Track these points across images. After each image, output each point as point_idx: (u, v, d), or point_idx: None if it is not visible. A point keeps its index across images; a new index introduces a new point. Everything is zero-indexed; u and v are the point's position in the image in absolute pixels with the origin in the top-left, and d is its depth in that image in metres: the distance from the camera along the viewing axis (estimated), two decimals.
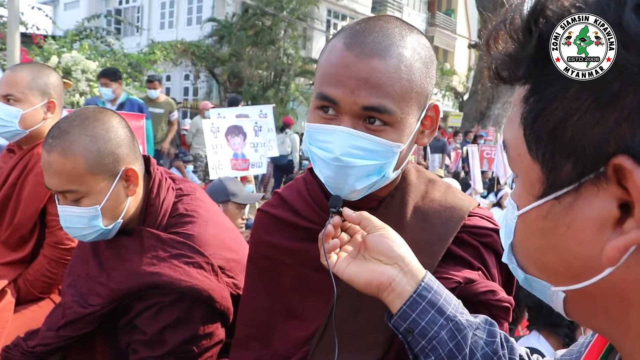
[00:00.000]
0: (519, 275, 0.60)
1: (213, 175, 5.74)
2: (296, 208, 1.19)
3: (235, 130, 6.02)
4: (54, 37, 11.83)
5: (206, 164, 9.33)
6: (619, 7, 0.45)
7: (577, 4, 0.48)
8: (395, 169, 1.06)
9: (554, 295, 0.55)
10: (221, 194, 3.49)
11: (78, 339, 1.57)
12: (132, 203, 1.55)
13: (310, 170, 1.21)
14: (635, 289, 0.48)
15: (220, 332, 1.50)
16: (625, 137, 0.44)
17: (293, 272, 1.17)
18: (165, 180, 1.64)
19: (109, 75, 6.21)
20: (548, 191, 0.51)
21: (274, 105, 8.37)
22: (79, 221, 1.47)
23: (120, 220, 1.53)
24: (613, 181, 0.45)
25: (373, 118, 0.99)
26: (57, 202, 1.51)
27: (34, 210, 2.13)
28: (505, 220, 0.61)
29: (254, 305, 1.25)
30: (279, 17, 16.58)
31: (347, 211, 1.02)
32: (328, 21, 21.70)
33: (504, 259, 0.62)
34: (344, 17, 22.50)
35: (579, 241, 0.49)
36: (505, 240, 0.61)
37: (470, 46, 20.25)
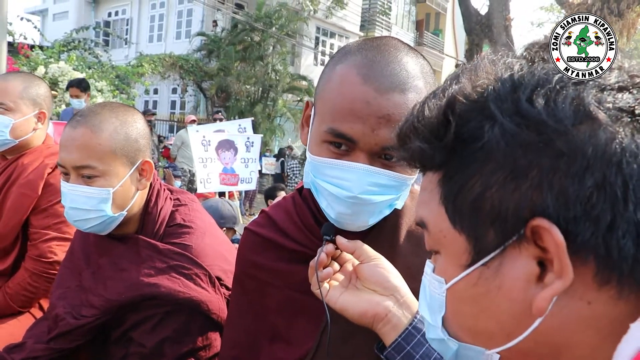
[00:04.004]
0: (450, 348, 0.63)
1: (201, 189, 5.69)
2: (284, 229, 1.17)
3: (226, 145, 5.98)
4: (41, 48, 11.74)
5: (190, 178, 9.29)
6: (514, 99, 0.53)
7: (480, 100, 0.55)
8: None
9: (488, 359, 0.59)
10: (231, 220, 3.50)
11: (63, 354, 1.54)
12: (137, 201, 1.56)
13: (299, 190, 1.19)
14: (561, 333, 0.53)
15: (217, 343, 1.50)
16: (538, 202, 0.51)
17: (279, 294, 1.15)
18: (163, 191, 1.65)
19: (79, 85, 6.01)
20: (476, 259, 0.56)
21: (253, 119, 8.33)
22: (86, 202, 1.46)
23: (124, 213, 1.52)
24: (531, 241, 0.52)
25: (390, 155, 0.95)
26: (63, 183, 1.49)
27: (17, 222, 2.09)
28: (429, 296, 0.65)
29: (239, 327, 1.22)
30: (268, 33, 16.66)
31: (341, 240, 1.00)
32: (317, 38, 21.83)
33: (434, 335, 0.64)
34: (332, 35, 22.68)
35: (509, 300, 0.55)
36: (434, 315, 0.64)
37: (457, 66, 20.48)
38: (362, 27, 23.52)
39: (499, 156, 0.53)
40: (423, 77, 0.97)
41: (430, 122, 0.58)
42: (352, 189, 0.94)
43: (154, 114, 8.20)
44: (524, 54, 0.59)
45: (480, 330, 0.59)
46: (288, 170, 13.99)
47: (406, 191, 1.02)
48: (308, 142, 1.05)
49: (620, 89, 0.54)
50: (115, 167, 1.47)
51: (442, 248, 0.61)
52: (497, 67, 0.58)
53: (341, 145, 0.96)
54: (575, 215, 0.50)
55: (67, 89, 6.35)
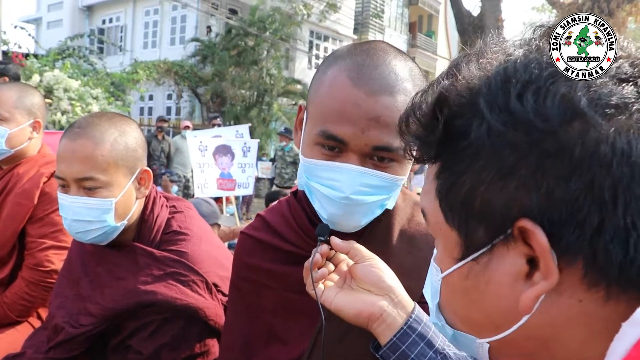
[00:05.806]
0: (447, 332, 0.64)
1: (198, 194, 5.72)
2: (280, 231, 1.18)
3: (223, 150, 6.01)
4: (36, 56, 11.73)
5: (184, 183, 9.29)
6: (505, 95, 0.51)
7: (470, 96, 0.54)
8: None
9: (480, 347, 0.60)
10: (212, 216, 3.51)
11: None
12: (136, 209, 1.56)
13: (294, 193, 1.21)
14: (551, 330, 0.53)
15: (215, 349, 1.50)
16: (524, 201, 0.50)
17: (275, 295, 1.16)
18: (159, 198, 1.66)
19: None
20: (466, 254, 0.56)
21: (250, 125, 8.37)
22: (89, 214, 1.46)
23: (125, 222, 1.53)
24: (519, 240, 0.51)
25: (381, 156, 0.97)
26: (61, 195, 1.48)
27: (13, 232, 2.10)
28: (430, 282, 0.66)
29: (235, 330, 1.23)
30: (261, 38, 16.67)
31: (335, 240, 1.00)
32: (310, 42, 21.86)
33: (432, 319, 0.66)
34: (326, 39, 22.70)
35: (497, 295, 0.55)
36: (432, 301, 0.65)
37: None
38: (355, 30, 23.56)
39: (487, 154, 0.52)
40: (412, 79, 0.99)
41: (423, 115, 0.58)
42: (344, 190, 0.96)
43: (166, 120, 8.14)
44: (520, 42, 0.57)
45: (470, 320, 0.60)
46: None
47: (397, 191, 1.04)
48: (301, 145, 1.07)
49: (621, 81, 0.51)
50: (117, 178, 1.48)
51: (439, 238, 0.61)
52: (493, 57, 0.56)
53: (333, 147, 0.98)
54: (561, 217, 0.49)
55: None
